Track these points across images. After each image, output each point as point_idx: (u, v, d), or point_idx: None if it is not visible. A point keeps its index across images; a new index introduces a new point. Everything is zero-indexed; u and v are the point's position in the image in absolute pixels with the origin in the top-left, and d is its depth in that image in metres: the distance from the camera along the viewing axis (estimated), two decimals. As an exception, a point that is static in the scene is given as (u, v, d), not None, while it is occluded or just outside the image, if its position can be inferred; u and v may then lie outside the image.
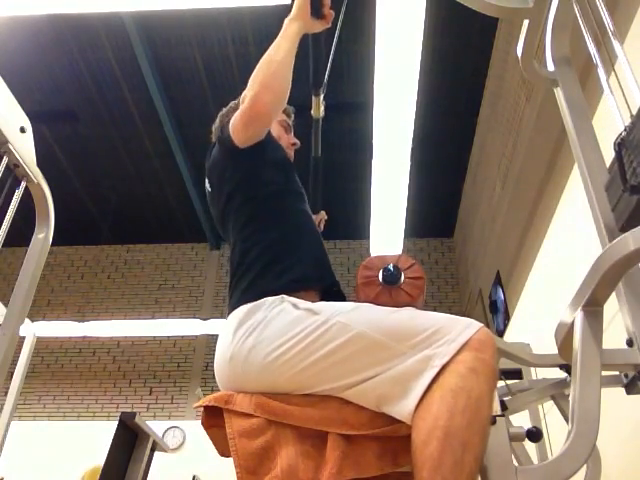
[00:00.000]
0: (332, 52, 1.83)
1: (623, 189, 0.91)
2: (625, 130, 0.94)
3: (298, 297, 1.08)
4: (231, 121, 1.22)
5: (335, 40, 1.85)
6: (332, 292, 1.19)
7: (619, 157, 0.93)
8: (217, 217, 1.35)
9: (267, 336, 1.00)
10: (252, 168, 1.25)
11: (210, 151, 1.38)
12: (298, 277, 1.13)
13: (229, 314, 1.11)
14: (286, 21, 1.26)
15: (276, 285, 1.09)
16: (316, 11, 1.27)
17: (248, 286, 1.11)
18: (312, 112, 1.73)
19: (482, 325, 0.94)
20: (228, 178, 1.26)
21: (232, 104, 1.49)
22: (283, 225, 1.21)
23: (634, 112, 1.07)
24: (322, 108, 1.72)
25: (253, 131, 1.19)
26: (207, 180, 1.37)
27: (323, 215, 1.79)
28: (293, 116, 1.54)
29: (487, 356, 0.90)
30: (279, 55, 1.19)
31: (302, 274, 1.14)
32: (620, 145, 0.94)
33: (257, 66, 1.18)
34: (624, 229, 0.98)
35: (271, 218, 1.21)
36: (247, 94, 1.16)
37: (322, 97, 1.70)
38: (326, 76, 1.69)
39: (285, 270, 1.12)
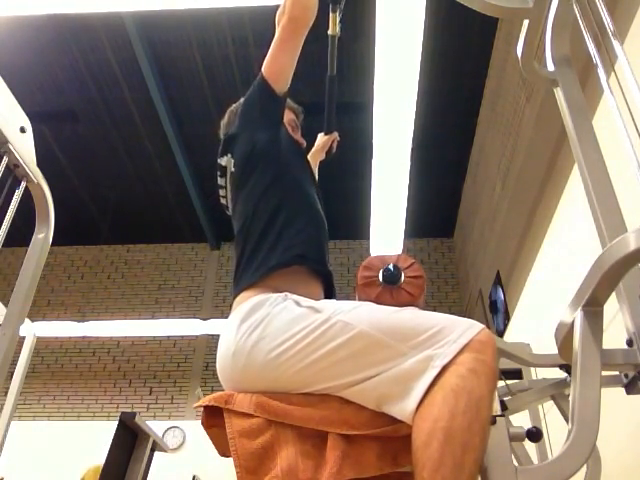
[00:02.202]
0: None
1: None
2: None
3: (300, 277, 1.13)
4: (265, 62, 1.31)
5: None
6: (330, 284, 1.23)
7: None
8: (230, 196, 1.37)
9: (270, 332, 1.01)
10: (273, 142, 1.30)
11: (224, 140, 1.39)
12: (301, 253, 1.16)
13: (235, 297, 1.13)
14: None
15: (280, 260, 1.12)
16: None
17: (256, 269, 1.13)
18: (329, 31, 1.75)
19: (483, 326, 0.94)
20: (251, 151, 1.29)
21: (242, 100, 1.50)
22: (295, 207, 1.24)
23: (634, 112, 1.07)
24: (338, 26, 1.74)
25: (295, 48, 1.30)
26: (229, 159, 1.36)
27: (336, 136, 1.84)
28: (302, 116, 1.54)
29: (488, 357, 0.90)
30: None
31: (305, 252, 1.17)
32: None
33: None
34: None
35: (285, 198, 1.24)
36: (282, 14, 1.30)
37: (339, 14, 1.72)
38: None
39: (290, 247, 1.15)
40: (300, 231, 1.19)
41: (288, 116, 1.48)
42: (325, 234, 1.30)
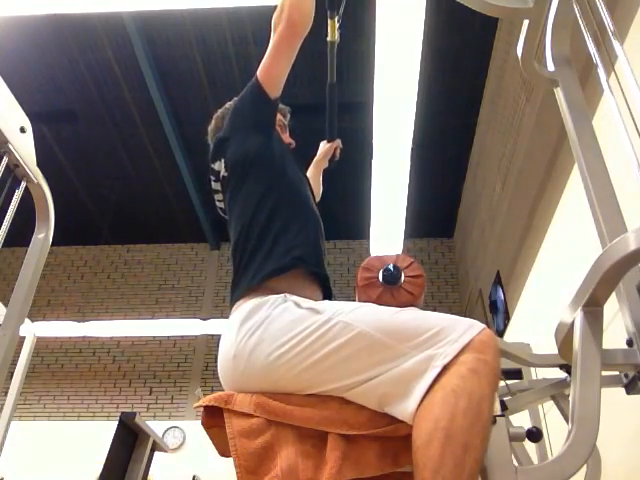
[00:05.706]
0: None
1: None
2: None
3: (298, 280, 1.12)
4: (260, 66, 1.29)
5: None
6: (327, 287, 1.22)
7: None
8: (226, 200, 1.35)
9: (270, 334, 1.00)
10: (266, 147, 1.29)
11: (214, 145, 1.38)
12: (299, 255, 1.15)
13: (234, 303, 1.12)
14: None
15: (279, 264, 1.12)
16: None
17: (254, 274, 1.12)
18: (328, 37, 1.74)
19: (484, 326, 0.94)
20: (244, 156, 1.28)
21: (228, 105, 1.50)
22: (291, 210, 1.23)
23: (634, 112, 1.07)
24: (337, 32, 1.73)
25: (291, 52, 1.28)
26: (220, 164, 1.35)
27: (338, 143, 1.82)
28: (289, 116, 1.54)
29: (489, 357, 0.90)
30: None
31: (303, 254, 1.16)
32: None
33: None
34: None
35: (281, 202, 1.23)
36: (279, 18, 1.27)
37: (337, 20, 1.71)
38: None
39: (288, 251, 1.14)
40: (297, 234, 1.18)
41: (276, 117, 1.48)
42: (321, 234, 1.29)
